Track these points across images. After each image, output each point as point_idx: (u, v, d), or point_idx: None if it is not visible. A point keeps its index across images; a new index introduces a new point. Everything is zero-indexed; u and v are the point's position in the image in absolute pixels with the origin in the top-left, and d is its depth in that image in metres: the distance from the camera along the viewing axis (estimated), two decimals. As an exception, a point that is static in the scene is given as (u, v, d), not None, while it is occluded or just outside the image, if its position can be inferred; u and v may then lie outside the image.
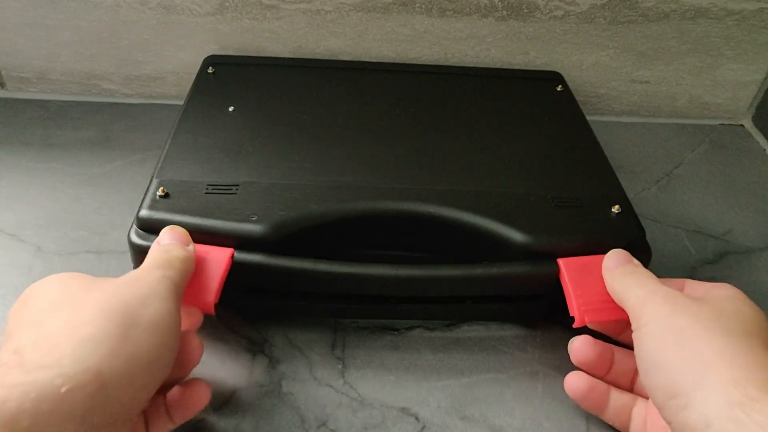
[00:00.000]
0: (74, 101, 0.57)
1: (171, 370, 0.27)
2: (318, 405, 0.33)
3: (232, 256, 0.33)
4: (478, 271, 0.34)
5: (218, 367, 0.35)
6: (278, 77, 0.49)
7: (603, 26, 0.55)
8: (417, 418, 0.33)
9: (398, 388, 0.35)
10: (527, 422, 0.33)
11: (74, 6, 0.52)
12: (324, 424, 0.32)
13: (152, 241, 0.32)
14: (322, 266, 0.33)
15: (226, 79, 0.48)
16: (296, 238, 0.34)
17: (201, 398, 0.30)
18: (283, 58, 0.54)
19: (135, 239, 0.34)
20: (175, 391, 0.30)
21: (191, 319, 0.31)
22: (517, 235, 0.35)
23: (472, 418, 0.33)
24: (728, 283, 0.31)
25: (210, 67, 0.49)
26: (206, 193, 0.36)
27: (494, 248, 0.35)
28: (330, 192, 0.37)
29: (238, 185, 0.37)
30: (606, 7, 0.53)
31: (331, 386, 0.34)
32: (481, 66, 0.56)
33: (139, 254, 0.34)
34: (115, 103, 0.58)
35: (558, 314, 0.35)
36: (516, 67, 0.57)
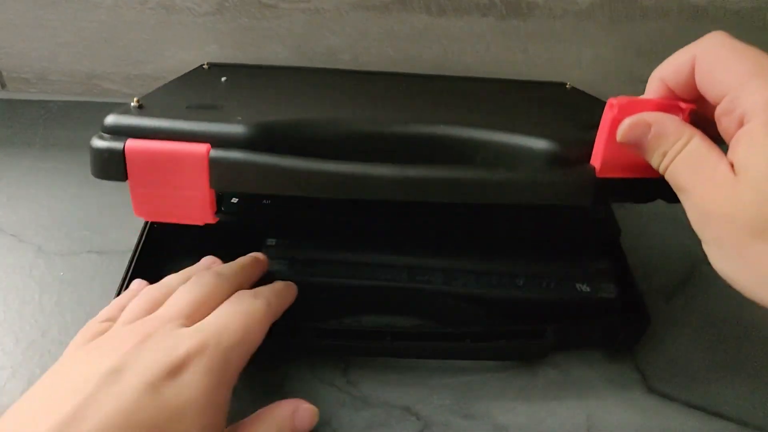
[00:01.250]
0: (75, 101, 0.57)
1: None
2: (320, 404, 0.33)
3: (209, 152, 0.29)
4: (503, 174, 0.29)
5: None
6: (275, 77, 0.49)
7: (602, 24, 0.55)
8: (419, 417, 0.33)
9: (400, 387, 0.35)
10: (530, 420, 0.33)
11: (74, 6, 0.52)
12: (326, 423, 0.32)
13: (121, 142, 0.28)
14: (315, 165, 0.28)
15: (221, 73, 0.48)
16: (287, 149, 0.29)
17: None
18: (282, 66, 0.54)
19: (98, 143, 0.29)
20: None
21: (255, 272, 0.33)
22: (541, 143, 0.30)
23: (474, 416, 0.33)
24: None
25: (205, 64, 0.50)
26: (187, 107, 0.33)
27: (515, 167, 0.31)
28: (330, 114, 0.34)
29: (222, 106, 0.34)
30: (605, 5, 0.53)
31: (333, 385, 0.34)
32: (487, 75, 0.57)
33: (101, 160, 0.30)
34: (116, 103, 0.56)
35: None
36: (517, 67, 0.57)
